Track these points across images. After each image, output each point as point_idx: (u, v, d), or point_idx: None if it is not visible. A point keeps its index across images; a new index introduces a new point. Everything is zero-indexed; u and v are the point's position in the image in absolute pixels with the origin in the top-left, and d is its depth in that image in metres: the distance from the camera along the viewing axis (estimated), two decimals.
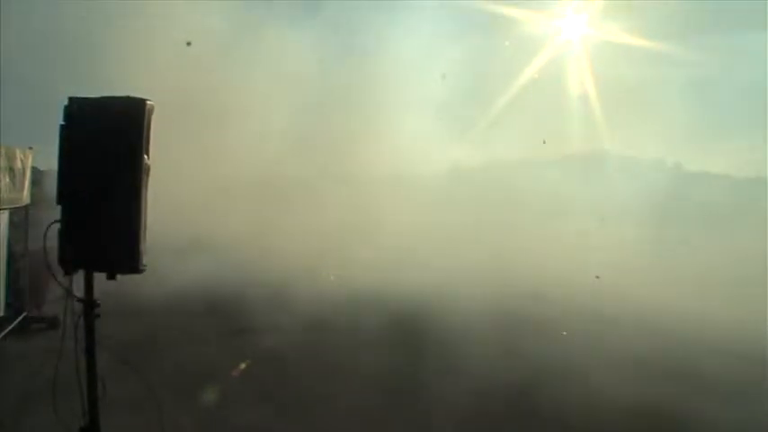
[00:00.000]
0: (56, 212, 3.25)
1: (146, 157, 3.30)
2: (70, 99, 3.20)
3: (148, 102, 3.30)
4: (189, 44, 12.26)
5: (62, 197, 3.22)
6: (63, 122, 3.22)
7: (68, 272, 3.24)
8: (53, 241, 3.24)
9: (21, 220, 7.93)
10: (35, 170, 8.16)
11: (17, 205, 7.36)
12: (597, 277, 13.56)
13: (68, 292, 3.26)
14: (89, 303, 3.30)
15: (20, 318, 7.53)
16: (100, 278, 3.32)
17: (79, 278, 3.29)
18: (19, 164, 7.13)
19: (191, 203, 12.40)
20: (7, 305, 7.12)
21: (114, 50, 12.87)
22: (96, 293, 3.35)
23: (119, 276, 3.28)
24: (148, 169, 3.33)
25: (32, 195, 7.75)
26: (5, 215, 7.21)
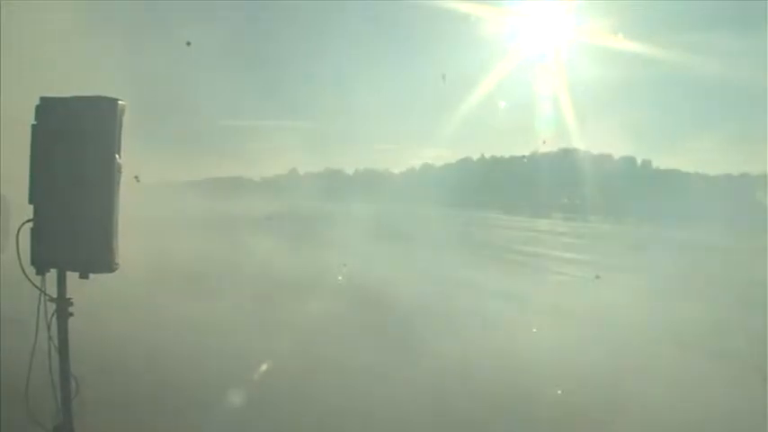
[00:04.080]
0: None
1: (118, 156, 3.32)
2: (42, 98, 3.22)
3: (120, 101, 3.32)
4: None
5: (34, 196, 3.23)
6: (35, 122, 3.23)
7: (41, 271, 3.26)
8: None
9: None
10: None
11: None
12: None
13: (42, 292, 3.27)
14: (62, 302, 3.31)
15: None
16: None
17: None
18: None
19: None
20: None
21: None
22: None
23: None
24: (120, 168, 3.35)
25: None
26: None
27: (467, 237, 23.87)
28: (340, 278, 12.40)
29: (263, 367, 6.84)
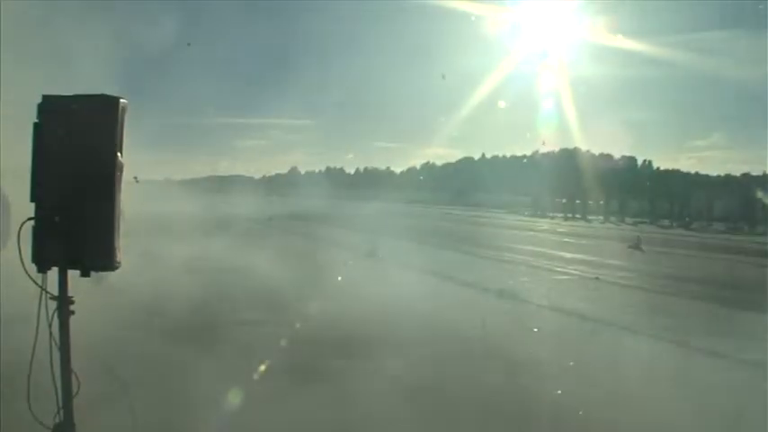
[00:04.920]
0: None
1: (119, 154, 3.32)
2: (44, 97, 3.22)
3: (122, 100, 3.32)
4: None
5: (36, 195, 3.24)
6: (37, 120, 3.23)
7: (42, 269, 3.26)
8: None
9: None
10: None
11: None
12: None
13: (43, 290, 3.28)
14: (63, 300, 3.31)
15: None
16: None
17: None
18: None
19: None
20: None
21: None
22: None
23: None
24: (122, 167, 3.36)
25: None
26: None
27: (468, 234, 23.88)
28: (339, 278, 12.48)
29: (266, 364, 6.85)
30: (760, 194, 30.38)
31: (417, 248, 17.83)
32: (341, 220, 24.41)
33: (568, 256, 18.31)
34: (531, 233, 26.89)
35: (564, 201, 42.43)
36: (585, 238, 24.84)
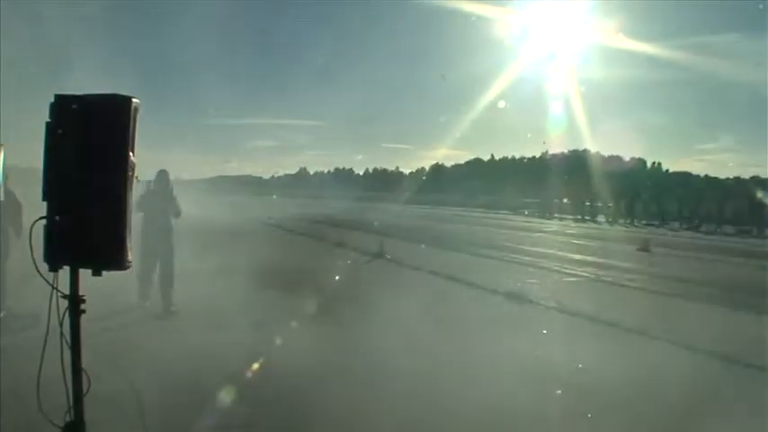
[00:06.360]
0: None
1: (131, 154, 3.33)
2: (56, 96, 3.22)
3: (134, 99, 3.33)
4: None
5: (48, 194, 3.25)
6: (49, 119, 3.24)
7: (54, 268, 3.27)
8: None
9: None
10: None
11: None
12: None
13: (54, 288, 3.29)
14: (74, 299, 3.32)
15: None
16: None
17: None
18: None
19: None
20: None
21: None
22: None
23: None
24: (134, 166, 3.37)
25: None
26: None
27: (477, 237, 23.85)
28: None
29: (279, 361, 6.86)
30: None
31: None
32: (362, 226, 24.19)
33: (589, 258, 18.23)
34: (543, 235, 26.89)
35: (573, 203, 42.34)
36: (596, 240, 24.73)
